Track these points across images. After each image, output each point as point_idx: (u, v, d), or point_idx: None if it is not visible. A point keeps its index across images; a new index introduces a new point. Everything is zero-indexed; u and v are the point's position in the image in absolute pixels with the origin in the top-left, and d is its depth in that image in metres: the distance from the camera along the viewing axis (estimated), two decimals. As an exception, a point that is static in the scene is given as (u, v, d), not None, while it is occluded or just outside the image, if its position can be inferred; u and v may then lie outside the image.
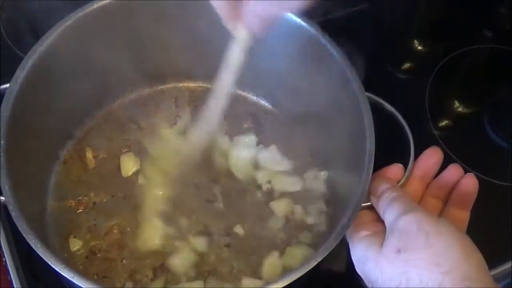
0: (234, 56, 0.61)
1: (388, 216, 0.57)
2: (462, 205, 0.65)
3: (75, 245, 0.71)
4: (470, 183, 0.65)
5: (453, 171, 0.66)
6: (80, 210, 0.74)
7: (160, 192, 0.74)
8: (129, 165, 0.77)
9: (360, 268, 0.58)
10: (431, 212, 0.64)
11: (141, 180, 0.76)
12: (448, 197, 0.66)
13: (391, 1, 1.00)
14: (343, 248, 0.61)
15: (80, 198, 0.74)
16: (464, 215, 0.65)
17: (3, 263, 0.69)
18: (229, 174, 0.77)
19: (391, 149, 0.66)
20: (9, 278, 0.68)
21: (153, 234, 0.72)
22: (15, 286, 0.68)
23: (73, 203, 0.74)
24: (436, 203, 0.66)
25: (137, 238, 0.71)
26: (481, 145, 0.86)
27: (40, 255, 0.55)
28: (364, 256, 0.57)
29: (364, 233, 0.60)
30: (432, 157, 0.67)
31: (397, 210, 0.57)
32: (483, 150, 0.86)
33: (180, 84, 0.85)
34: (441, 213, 0.66)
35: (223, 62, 0.62)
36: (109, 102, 0.82)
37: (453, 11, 0.99)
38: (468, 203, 0.65)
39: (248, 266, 0.71)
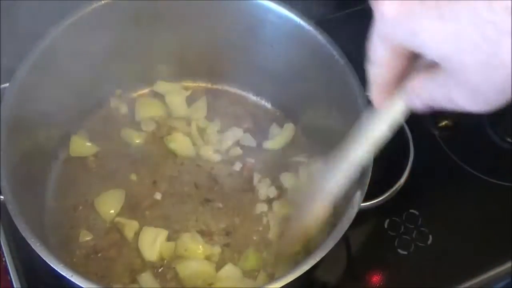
0: (377, 131, 0.50)
1: None
2: None
3: (75, 244, 0.71)
4: None
5: None
6: (79, 210, 0.74)
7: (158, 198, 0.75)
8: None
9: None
10: None
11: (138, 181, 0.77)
12: None
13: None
14: (343, 249, 0.61)
15: (80, 198, 0.74)
16: None
17: (3, 263, 0.69)
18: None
19: (390, 149, 0.65)
20: (9, 278, 0.69)
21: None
22: (15, 286, 0.68)
23: (73, 203, 0.74)
24: None
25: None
26: (481, 145, 0.86)
27: (40, 254, 0.55)
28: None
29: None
30: None
31: None
32: (483, 150, 0.86)
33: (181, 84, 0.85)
34: None
35: (358, 133, 0.52)
36: (109, 102, 0.82)
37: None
38: None
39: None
